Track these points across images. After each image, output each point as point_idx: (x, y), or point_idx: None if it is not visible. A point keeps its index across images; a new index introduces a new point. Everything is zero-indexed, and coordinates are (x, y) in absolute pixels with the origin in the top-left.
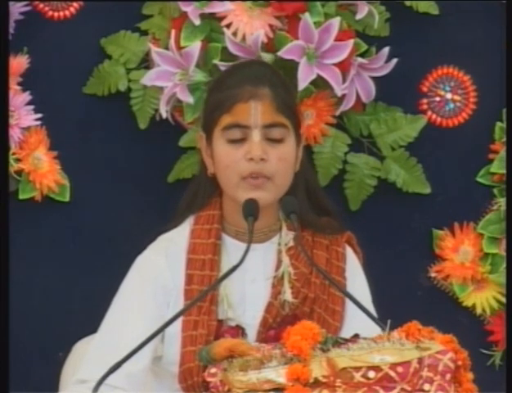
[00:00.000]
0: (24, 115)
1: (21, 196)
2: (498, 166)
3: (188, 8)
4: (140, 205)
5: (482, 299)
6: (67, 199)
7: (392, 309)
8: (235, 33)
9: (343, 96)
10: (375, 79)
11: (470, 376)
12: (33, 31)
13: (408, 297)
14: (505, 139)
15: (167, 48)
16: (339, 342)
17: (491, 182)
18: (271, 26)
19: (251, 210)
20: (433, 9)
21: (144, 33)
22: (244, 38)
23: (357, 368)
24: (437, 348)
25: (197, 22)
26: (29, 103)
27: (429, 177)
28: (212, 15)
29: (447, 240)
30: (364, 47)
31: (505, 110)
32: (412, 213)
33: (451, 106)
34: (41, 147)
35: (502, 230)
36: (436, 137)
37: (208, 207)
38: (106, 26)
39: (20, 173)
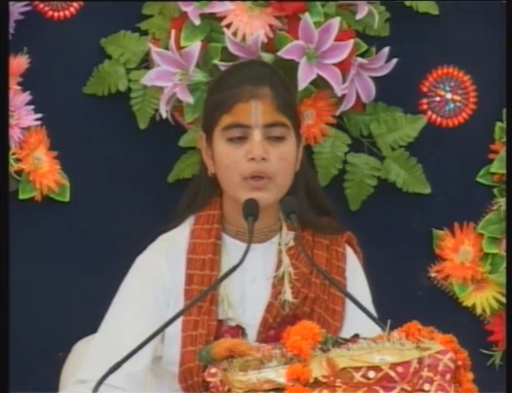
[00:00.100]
0: (24, 115)
1: (21, 196)
2: (498, 166)
3: (188, 8)
4: (140, 205)
5: (482, 299)
6: (67, 199)
7: (393, 309)
8: (235, 33)
9: (343, 96)
10: (375, 79)
11: (470, 376)
12: (33, 31)
13: (408, 297)
14: (505, 139)
15: (167, 48)
16: (339, 342)
17: (491, 182)
18: (271, 26)
19: (251, 210)
20: (433, 9)
21: (144, 33)
22: (244, 38)
23: (357, 368)
24: (437, 348)
25: (197, 22)
26: (29, 103)
27: (429, 177)
28: (212, 15)
29: (447, 240)
30: (364, 47)
31: (505, 110)
32: (412, 213)
33: (451, 106)
34: (41, 147)
35: (502, 230)
36: (436, 137)
37: (208, 207)
38: (106, 26)
39: (20, 173)
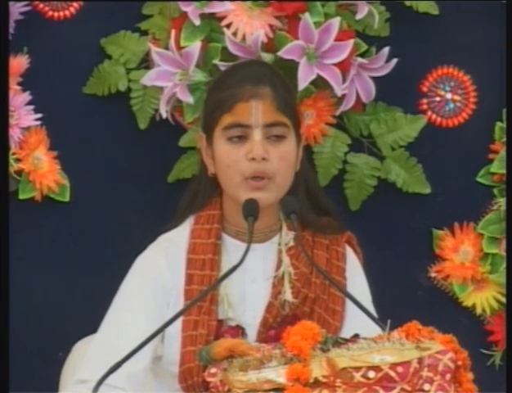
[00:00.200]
0: (24, 115)
1: (21, 196)
2: (498, 166)
3: (188, 8)
4: (140, 205)
5: (482, 299)
6: (67, 199)
7: (392, 309)
8: (235, 33)
9: (343, 96)
10: (375, 78)
11: (470, 376)
12: (33, 31)
13: (408, 297)
14: (505, 139)
15: (167, 48)
16: (339, 342)
17: (491, 182)
18: (271, 26)
19: (251, 210)
20: (433, 9)
21: (144, 33)
22: (244, 38)
23: (357, 368)
24: (437, 348)
25: (197, 22)
26: (29, 103)
27: (429, 177)
28: (212, 15)
29: (447, 240)
30: (364, 47)
31: (505, 110)
32: (412, 213)
33: (451, 106)
34: (41, 147)
35: (502, 230)
36: (436, 137)
37: (208, 207)
38: (106, 26)
39: (20, 173)
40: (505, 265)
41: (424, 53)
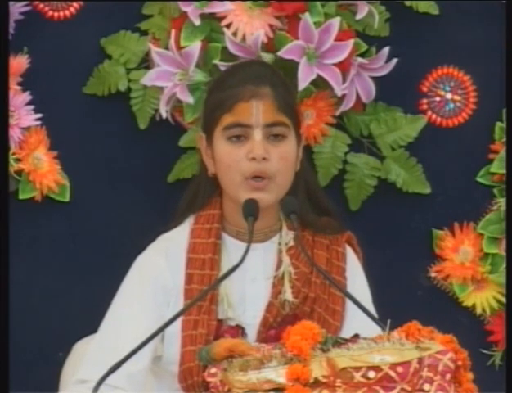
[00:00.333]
0: (24, 115)
1: (21, 196)
2: (498, 166)
3: (188, 8)
4: (140, 205)
5: (482, 299)
6: (67, 199)
7: (392, 309)
8: (235, 33)
9: (343, 96)
10: (375, 78)
11: (470, 376)
12: (33, 31)
13: (408, 297)
14: (505, 139)
15: (167, 48)
16: (339, 342)
17: (491, 182)
18: (271, 26)
19: (251, 210)
20: (433, 9)
21: (144, 33)
22: (244, 38)
23: (357, 368)
24: (437, 348)
25: (197, 22)
26: (29, 103)
27: (429, 177)
28: (212, 15)
29: (447, 240)
30: (364, 47)
31: (505, 110)
32: (412, 213)
33: (451, 106)
34: (41, 147)
35: (502, 230)
36: (436, 137)
37: (208, 207)
38: (106, 26)
39: (20, 173)
40: (505, 265)
41: (424, 53)
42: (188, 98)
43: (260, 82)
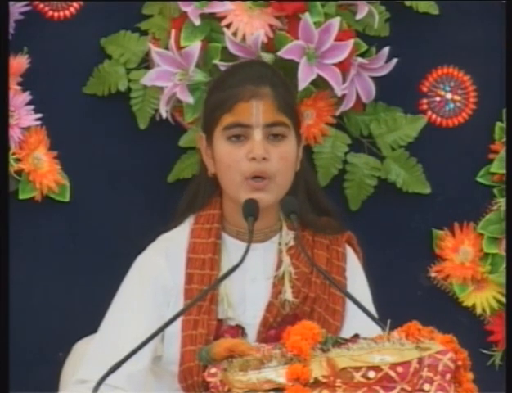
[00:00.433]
0: (24, 115)
1: (21, 196)
2: (498, 166)
3: (188, 8)
4: (140, 205)
5: (482, 299)
6: (67, 199)
7: (392, 309)
8: (235, 33)
9: (343, 96)
10: (375, 78)
11: (470, 376)
12: (33, 31)
13: (408, 297)
14: (505, 139)
15: (167, 48)
16: (339, 342)
17: (491, 182)
18: (271, 26)
19: (251, 210)
20: (433, 9)
21: (144, 33)
22: (244, 38)
23: (357, 368)
24: (437, 348)
25: (197, 22)
26: (29, 103)
27: (429, 177)
28: (212, 15)
29: (447, 240)
30: (364, 47)
31: (505, 110)
32: (412, 213)
33: (451, 106)
34: (41, 147)
35: (502, 230)
36: (436, 137)
37: (208, 207)
38: (106, 26)
39: (20, 173)
40: (505, 265)
41: (424, 53)
42: (188, 98)
43: (260, 82)
